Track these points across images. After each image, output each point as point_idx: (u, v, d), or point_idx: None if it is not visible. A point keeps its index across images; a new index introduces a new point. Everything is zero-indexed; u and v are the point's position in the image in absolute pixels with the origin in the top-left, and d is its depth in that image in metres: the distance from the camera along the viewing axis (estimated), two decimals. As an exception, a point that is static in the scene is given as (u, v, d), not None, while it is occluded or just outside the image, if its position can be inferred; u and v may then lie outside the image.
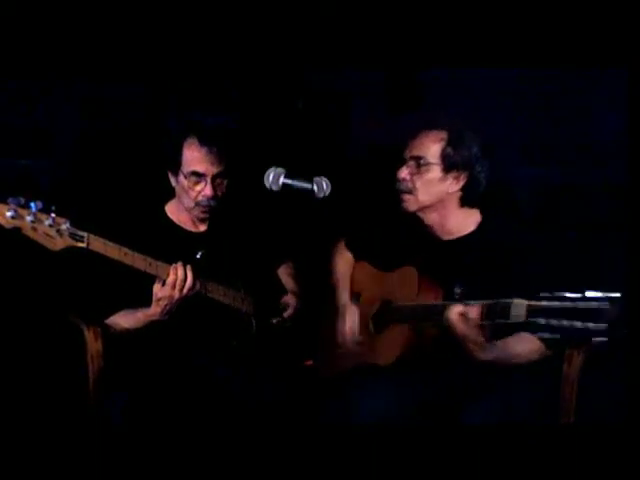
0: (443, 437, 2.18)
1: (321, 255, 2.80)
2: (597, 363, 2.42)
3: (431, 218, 2.42)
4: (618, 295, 1.85)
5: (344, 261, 2.67)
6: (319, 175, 2.29)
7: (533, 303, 1.96)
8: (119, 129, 3.34)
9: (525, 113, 3.38)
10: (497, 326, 2.10)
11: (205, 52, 2.85)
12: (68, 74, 3.00)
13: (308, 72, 3.34)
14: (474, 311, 2.11)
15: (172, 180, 2.51)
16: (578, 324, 1.86)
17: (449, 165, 2.36)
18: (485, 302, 2.10)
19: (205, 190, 2.44)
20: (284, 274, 2.75)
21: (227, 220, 2.58)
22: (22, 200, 2.09)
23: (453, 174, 2.37)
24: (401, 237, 2.51)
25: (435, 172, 2.37)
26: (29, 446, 2.27)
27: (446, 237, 2.43)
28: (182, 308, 2.37)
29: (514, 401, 2.25)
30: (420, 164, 2.37)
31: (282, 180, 2.27)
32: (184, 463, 2.19)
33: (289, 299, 2.64)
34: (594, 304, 1.86)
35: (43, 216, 2.12)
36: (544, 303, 1.93)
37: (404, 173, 2.40)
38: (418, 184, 2.38)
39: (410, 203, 2.40)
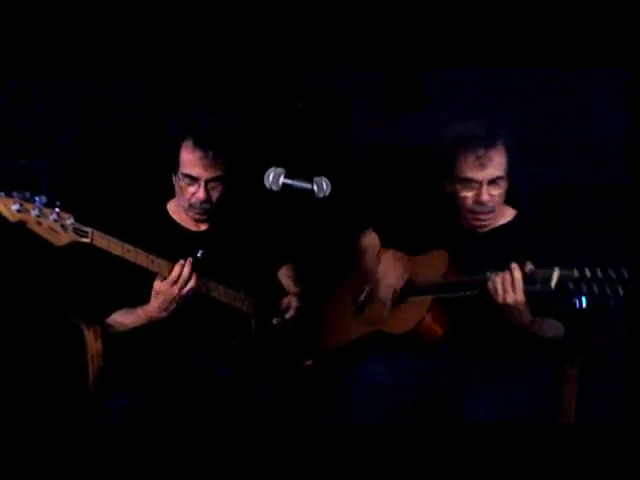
0: (443, 437, 2.18)
1: (321, 255, 2.80)
2: (597, 363, 2.43)
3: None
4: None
5: (371, 245, 2.70)
6: (319, 175, 2.29)
7: (565, 272, 2.10)
8: (121, 128, 3.34)
9: (525, 113, 3.38)
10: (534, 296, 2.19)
11: (205, 52, 2.85)
12: (68, 74, 3.00)
13: (308, 72, 3.34)
14: (518, 276, 2.18)
15: (174, 179, 2.51)
16: (602, 289, 2.05)
17: (510, 174, 2.42)
18: (528, 269, 2.18)
19: (198, 193, 2.43)
20: (284, 275, 2.75)
21: (227, 220, 2.58)
22: (27, 194, 2.10)
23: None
24: (437, 226, 2.55)
25: (504, 185, 2.42)
26: (29, 446, 2.27)
27: (481, 230, 2.48)
28: (182, 307, 2.37)
29: (514, 401, 2.25)
30: (497, 183, 2.40)
31: (282, 180, 2.27)
32: (184, 463, 2.19)
33: (290, 301, 2.64)
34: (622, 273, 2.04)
35: (48, 210, 2.13)
36: (575, 273, 2.09)
37: (486, 196, 2.40)
38: (498, 200, 2.43)
39: (489, 222, 2.46)
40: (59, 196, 2.19)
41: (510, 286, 2.18)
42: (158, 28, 2.77)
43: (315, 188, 2.27)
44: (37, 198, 2.11)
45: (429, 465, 2.12)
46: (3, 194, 2.07)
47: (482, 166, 2.39)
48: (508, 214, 2.50)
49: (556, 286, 2.11)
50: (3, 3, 2.66)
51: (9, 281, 3.01)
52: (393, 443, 2.16)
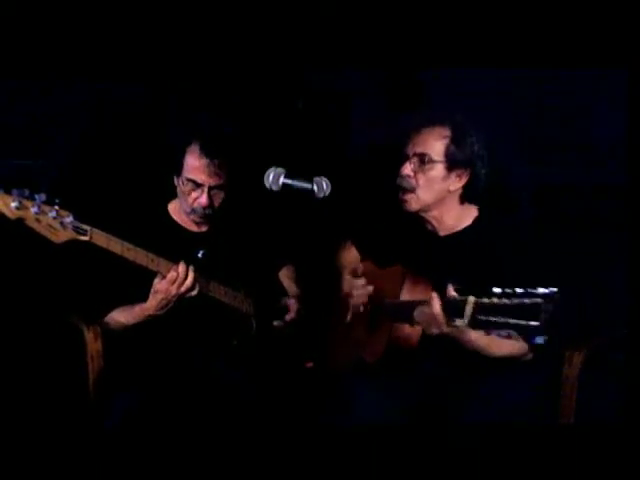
0: (443, 437, 2.18)
1: (321, 256, 2.80)
2: (597, 363, 2.42)
3: (430, 215, 2.40)
4: (555, 290, 1.76)
5: (350, 258, 2.68)
6: (319, 175, 2.28)
7: (477, 300, 1.91)
8: (122, 128, 3.35)
9: (525, 113, 3.38)
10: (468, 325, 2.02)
11: (205, 52, 2.85)
12: (70, 74, 3.00)
13: (308, 72, 3.34)
14: (437, 306, 2.05)
15: (175, 180, 2.51)
16: (513, 321, 1.80)
17: (452, 163, 2.33)
18: (444, 299, 2.05)
19: (201, 199, 2.43)
20: (285, 277, 2.75)
21: (228, 220, 2.58)
22: (26, 192, 2.10)
23: (456, 172, 2.35)
24: (397, 234, 2.50)
25: (439, 170, 2.34)
26: (29, 446, 2.27)
27: (443, 233, 2.42)
28: (183, 307, 2.37)
29: (514, 401, 2.24)
30: (424, 161, 2.34)
31: (282, 180, 2.27)
32: (184, 463, 2.19)
33: (290, 302, 2.64)
34: (536, 300, 1.77)
35: (47, 208, 2.12)
36: (491, 300, 1.87)
37: (407, 169, 2.36)
38: (421, 181, 2.35)
39: (412, 202, 2.37)
40: (60, 195, 2.19)
41: (431, 319, 2.07)
42: (159, 28, 2.77)
43: (315, 188, 2.27)
44: (36, 196, 2.11)
45: (429, 465, 2.12)
46: (2, 191, 2.07)
47: (411, 141, 2.36)
48: (469, 215, 2.41)
49: (470, 320, 1.92)
50: (3, 3, 2.66)
51: (8, 279, 3.01)
52: (393, 443, 2.16)
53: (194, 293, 2.36)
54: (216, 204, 2.46)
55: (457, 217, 2.40)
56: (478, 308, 1.90)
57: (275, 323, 2.60)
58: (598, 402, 2.54)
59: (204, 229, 2.58)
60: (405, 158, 2.38)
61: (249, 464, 2.20)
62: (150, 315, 2.36)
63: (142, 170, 3.11)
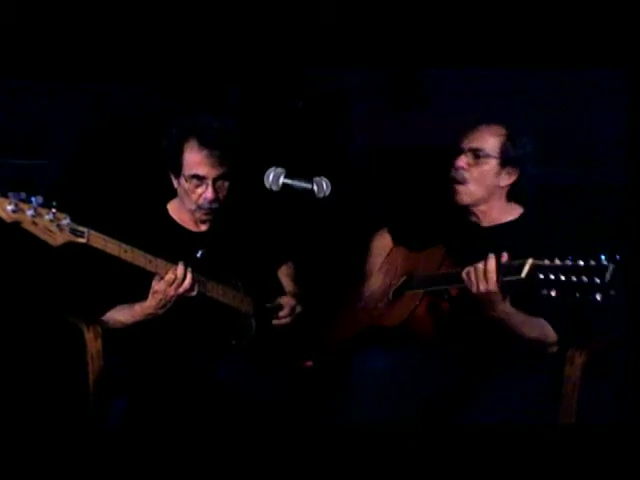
0: (443, 437, 2.18)
1: (321, 256, 2.80)
2: (598, 363, 2.42)
3: (478, 209, 2.48)
4: (618, 257, 1.94)
5: (382, 244, 2.73)
6: (319, 175, 2.29)
7: (541, 261, 2.03)
8: (121, 128, 3.34)
9: (525, 113, 3.38)
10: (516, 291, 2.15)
11: (205, 52, 2.85)
12: (69, 74, 3.00)
13: (308, 72, 3.34)
14: (492, 265, 2.15)
15: (174, 182, 2.50)
16: (574, 279, 1.94)
17: (506, 160, 2.42)
18: (504, 260, 2.15)
19: (206, 193, 2.43)
20: (284, 275, 2.75)
21: (228, 220, 2.57)
22: (23, 195, 2.10)
23: (507, 169, 2.43)
24: (439, 221, 2.57)
25: (492, 165, 2.42)
26: (29, 446, 2.27)
27: (486, 224, 2.49)
28: (182, 308, 2.37)
29: (514, 401, 2.25)
30: (479, 155, 2.42)
31: (282, 180, 2.27)
32: (184, 463, 2.19)
33: (286, 300, 2.64)
34: (599, 261, 1.93)
35: (44, 211, 2.12)
36: (547, 262, 2.01)
37: (462, 162, 2.44)
38: (475, 174, 2.43)
39: (464, 195, 2.45)
40: (59, 196, 2.18)
41: (482, 275, 2.15)
42: (158, 28, 2.76)
43: (315, 188, 2.27)
44: (33, 198, 2.11)
45: (429, 465, 2.12)
46: None
47: (466, 137, 2.46)
48: (514, 212, 2.50)
49: (527, 275, 2.05)
50: (3, 3, 2.66)
51: (7, 281, 3.01)
52: (393, 443, 2.16)
53: (193, 294, 2.35)
54: (221, 197, 2.46)
55: (502, 211, 2.48)
56: (537, 267, 2.02)
57: (274, 321, 2.60)
58: (599, 402, 2.54)
59: (203, 229, 2.58)
60: (460, 152, 2.45)
61: (249, 464, 2.20)
62: (149, 314, 2.36)
63: (141, 170, 3.11)
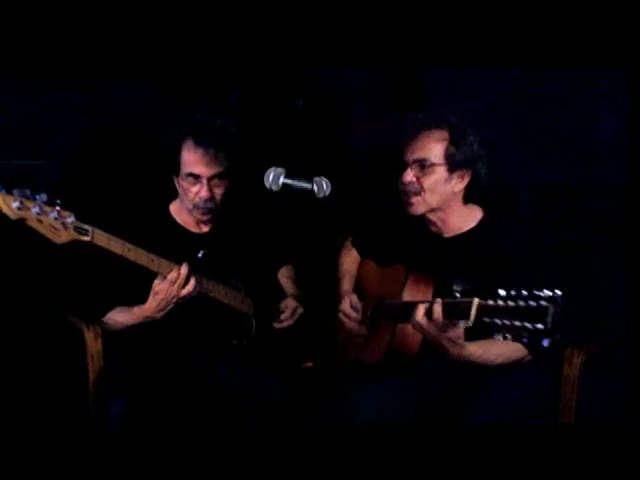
0: (443, 437, 2.18)
1: (321, 255, 2.80)
2: (597, 363, 2.42)
3: (436, 217, 2.40)
4: (559, 294, 1.75)
5: (351, 258, 2.69)
6: (319, 175, 2.29)
7: (482, 302, 1.90)
8: (124, 129, 3.34)
9: (525, 113, 3.38)
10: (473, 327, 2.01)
11: (205, 51, 2.85)
12: (69, 74, 3.00)
13: (308, 72, 3.34)
14: (438, 309, 2.05)
15: (175, 181, 2.51)
16: (522, 323, 1.79)
17: (453, 164, 2.33)
18: (447, 300, 2.05)
19: (201, 192, 2.43)
20: (284, 276, 2.75)
21: (228, 221, 2.58)
22: (28, 192, 2.10)
23: (457, 173, 2.34)
24: (400, 234, 2.50)
25: (440, 173, 2.33)
26: (29, 446, 2.27)
27: (448, 234, 2.42)
28: (182, 308, 2.37)
29: (514, 401, 2.24)
30: (425, 166, 2.33)
31: (282, 180, 2.27)
32: (184, 464, 2.19)
33: (288, 302, 2.63)
34: (542, 303, 1.76)
35: (49, 208, 2.12)
36: (495, 302, 1.87)
37: (409, 176, 2.35)
38: (425, 185, 2.34)
39: (418, 205, 2.37)
40: (61, 196, 2.19)
41: (428, 321, 2.06)
42: (157, 28, 2.77)
43: (315, 188, 2.27)
44: (38, 196, 2.11)
45: (429, 465, 2.12)
46: (4, 191, 2.06)
47: (409, 147, 2.36)
48: (474, 216, 2.41)
49: (475, 320, 1.91)
50: (3, 3, 2.66)
51: (9, 278, 3.00)
52: (393, 443, 2.16)
53: (193, 294, 2.35)
54: (217, 196, 2.45)
55: (462, 218, 2.40)
56: (483, 310, 1.90)
57: (274, 322, 2.60)
58: (598, 402, 2.54)
59: (205, 230, 2.58)
60: (405, 165, 2.37)
61: (249, 465, 2.20)
62: (148, 317, 2.36)
63: (143, 171, 3.11)
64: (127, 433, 2.30)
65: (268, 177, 2.27)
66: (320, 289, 2.71)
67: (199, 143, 2.40)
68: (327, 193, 2.27)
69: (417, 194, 2.35)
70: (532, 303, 1.78)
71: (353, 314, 2.51)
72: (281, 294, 2.69)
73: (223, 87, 3.39)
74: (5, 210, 2.06)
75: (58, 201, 2.14)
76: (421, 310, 2.08)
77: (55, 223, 2.13)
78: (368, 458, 2.15)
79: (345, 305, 2.53)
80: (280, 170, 2.28)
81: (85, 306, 2.47)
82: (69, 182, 3.22)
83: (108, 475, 2.17)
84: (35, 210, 2.09)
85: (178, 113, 3.18)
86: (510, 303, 1.83)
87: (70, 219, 2.15)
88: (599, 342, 2.45)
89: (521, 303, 1.80)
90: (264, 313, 2.59)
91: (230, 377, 2.43)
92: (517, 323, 1.79)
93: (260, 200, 2.48)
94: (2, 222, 2.09)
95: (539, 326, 1.75)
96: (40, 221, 2.11)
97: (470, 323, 1.92)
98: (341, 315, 2.53)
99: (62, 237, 2.15)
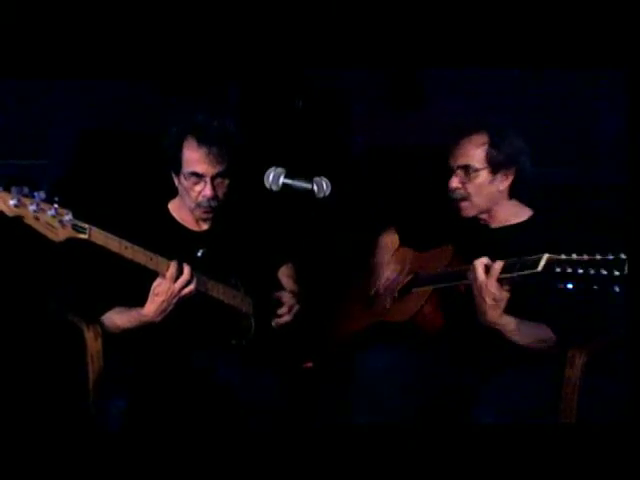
0: (443, 437, 2.18)
1: (321, 255, 2.80)
2: (598, 363, 2.42)
3: (485, 215, 2.48)
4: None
5: (389, 242, 2.74)
6: (319, 175, 2.29)
7: (554, 256, 2.02)
8: (122, 127, 3.35)
9: (525, 113, 3.38)
10: (520, 292, 2.14)
11: (205, 51, 2.85)
12: (68, 73, 3.00)
13: (308, 71, 3.34)
14: (498, 264, 2.15)
15: (175, 180, 2.51)
16: (592, 271, 1.93)
17: (496, 166, 2.40)
18: (512, 260, 2.14)
19: (205, 191, 2.43)
20: (284, 275, 2.75)
21: (228, 219, 2.58)
22: (25, 189, 2.10)
23: (501, 172, 2.42)
24: (449, 223, 2.55)
25: (484, 176, 2.41)
26: (29, 446, 2.27)
27: (495, 225, 2.49)
28: (181, 307, 2.37)
29: (515, 401, 2.24)
30: (468, 172, 2.41)
31: (282, 180, 2.27)
32: (184, 464, 2.19)
33: (285, 297, 2.63)
34: (612, 257, 1.94)
35: (46, 206, 2.12)
36: (563, 256, 2.00)
37: (455, 183, 2.44)
38: (471, 190, 2.42)
39: (468, 209, 2.46)
40: (60, 194, 2.18)
41: (485, 271, 2.16)
42: (158, 27, 2.76)
43: (315, 188, 2.27)
44: (35, 194, 2.11)
45: (429, 465, 2.12)
46: (1, 189, 2.06)
47: (452, 154, 2.45)
48: (523, 214, 2.48)
49: (544, 268, 2.03)
50: (3, 3, 2.66)
51: (7, 277, 3.01)
52: (393, 443, 2.16)
53: (192, 287, 2.34)
54: (220, 195, 2.46)
55: (511, 212, 2.47)
56: (554, 261, 2.01)
57: (274, 322, 2.60)
58: (599, 402, 2.54)
59: (204, 228, 2.58)
60: (451, 172, 2.45)
61: (248, 465, 2.20)
62: (147, 320, 2.34)
63: (142, 169, 3.11)
64: (127, 433, 2.30)
65: (268, 177, 2.27)
66: (320, 289, 2.72)
67: (201, 142, 2.40)
68: (327, 193, 2.28)
69: (465, 199, 2.44)
70: (610, 256, 1.95)
71: (383, 284, 2.60)
72: (281, 293, 2.68)
73: (223, 87, 3.39)
74: (2, 207, 2.06)
75: (56, 199, 2.14)
76: (481, 260, 2.17)
77: (52, 221, 2.13)
78: (368, 458, 2.15)
79: (380, 276, 2.64)
80: (280, 170, 2.28)
81: (83, 304, 2.47)
82: (69, 181, 3.22)
83: (108, 475, 2.17)
84: (32, 208, 2.09)
85: (178, 112, 3.19)
86: (584, 257, 1.97)
87: (67, 217, 2.15)
88: (600, 342, 2.45)
89: (597, 256, 1.95)
90: (264, 312, 2.59)
91: (230, 377, 2.43)
92: (591, 271, 1.94)
93: (260, 199, 2.48)
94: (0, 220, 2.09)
95: (616, 272, 1.92)
96: (37, 219, 2.11)
97: (539, 269, 2.02)
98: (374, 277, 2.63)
99: (59, 235, 2.15)
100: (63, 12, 2.72)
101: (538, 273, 2.04)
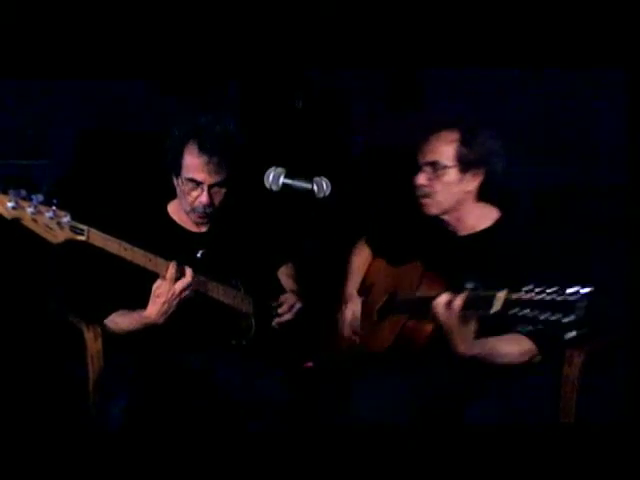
0: (443, 437, 2.18)
1: (321, 255, 2.80)
2: (597, 363, 2.42)
3: (451, 217, 2.39)
4: (590, 290, 1.79)
5: (362, 256, 2.69)
6: (319, 175, 2.29)
7: (511, 295, 1.91)
8: (122, 128, 3.35)
9: (525, 113, 3.38)
10: (486, 321, 2.05)
11: (205, 52, 2.85)
12: (68, 74, 3.00)
13: (308, 71, 3.34)
14: (459, 300, 2.06)
15: (174, 181, 2.50)
16: (548, 316, 1.81)
17: (465, 165, 2.31)
18: (471, 292, 2.05)
19: (201, 197, 2.42)
20: (284, 275, 2.75)
21: (228, 220, 2.57)
22: (24, 192, 2.10)
23: (470, 173, 2.32)
24: (417, 233, 2.49)
25: (452, 175, 2.32)
26: (29, 446, 2.27)
27: (462, 233, 2.40)
28: (181, 308, 2.36)
29: (514, 401, 2.24)
30: (436, 168, 2.32)
31: (282, 180, 2.27)
32: (184, 464, 2.19)
33: (286, 296, 2.63)
34: (570, 298, 1.79)
35: (44, 208, 2.12)
36: (522, 295, 1.88)
37: (421, 179, 2.35)
38: (438, 187, 2.33)
39: (432, 207, 2.36)
40: (60, 195, 2.18)
41: (446, 309, 2.07)
42: (158, 27, 2.77)
43: (315, 188, 2.27)
44: (33, 196, 2.10)
45: (429, 465, 2.12)
46: None
47: (421, 150, 2.36)
48: (490, 216, 2.39)
49: (498, 311, 1.92)
50: (3, 3, 2.66)
51: (6, 279, 3.01)
52: (393, 443, 2.16)
53: (192, 288, 2.34)
54: (216, 202, 2.45)
55: (477, 217, 2.38)
56: (509, 302, 1.91)
57: (274, 322, 2.60)
58: (598, 402, 2.55)
59: (204, 229, 2.58)
60: (418, 168, 2.37)
61: (249, 465, 2.20)
62: (149, 322, 2.34)
63: (141, 170, 3.11)
64: (127, 433, 2.30)
65: (268, 177, 2.27)
66: (320, 289, 2.71)
67: (203, 149, 2.38)
68: (327, 193, 2.27)
69: (430, 196, 2.35)
70: (561, 297, 1.80)
71: (353, 324, 2.54)
72: (282, 293, 2.68)
73: (223, 87, 3.39)
74: (0, 210, 2.06)
75: (54, 201, 2.14)
76: (442, 299, 2.10)
77: (50, 223, 2.13)
78: (368, 458, 2.15)
79: (348, 314, 2.57)
80: (280, 170, 2.28)
81: (86, 307, 2.47)
82: (69, 181, 3.22)
83: (108, 475, 2.17)
84: (30, 210, 2.09)
85: (179, 113, 3.18)
86: (538, 296, 1.84)
87: (66, 219, 2.15)
88: (599, 342, 2.44)
89: (548, 297, 1.82)
90: (264, 312, 2.59)
91: (230, 377, 2.43)
92: (543, 315, 1.81)
93: (259, 199, 2.48)
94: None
95: (566, 319, 1.77)
96: (35, 221, 2.10)
97: (493, 311, 1.93)
98: (341, 321, 2.56)
99: (58, 237, 2.15)
100: (63, 12, 2.72)
101: (490, 315, 1.95)
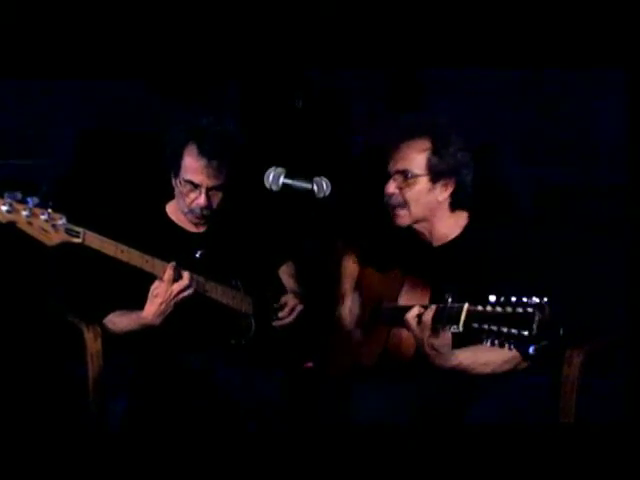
0: (443, 437, 2.18)
1: (321, 255, 2.80)
2: (597, 363, 2.43)
3: (423, 226, 2.37)
4: (545, 301, 1.75)
5: (351, 264, 2.67)
6: (319, 175, 2.28)
7: (473, 309, 1.88)
8: (120, 128, 3.34)
9: (525, 113, 3.38)
10: (459, 333, 1.98)
11: (205, 52, 2.85)
12: (68, 74, 3.00)
13: (308, 71, 3.34)
14: (428, 314, 2.04)
15: (173, 181, 2.50)
16: (505, 330, 1.78)
17: (436, 174, 2.28)
18: (439, 306, 2.02)
19: (199, 199, 2.42)
20: (285, 274, 2.75)
21: (227, 220, 2.57)
22: (19, 195, 2.09)
23: (441, 182, 2.30)
24: (396, 241, 2.47)
25: (423, 184, 2.29)
26: (29, 446, 2.27)
27: (436, 243, 2.38)
28: (181, 308, 2.37)
29: (514, 401, 2.24)
30: (407, 177, 2.29)
31: (282, 180, 2.27)
32: (184, 464, 2.19)
33: (287, 298, 2.63)
34: (525, 309, 1.76)
35: (39, 211, 2.11)
36: (484, 308, 1.85)
37: (391, 188, 2.32)
38: (408, 196, 2.30)
39: (403, 217, 2.34)
40: (59, 195, 2.19)
41: (417, 323, 2.05)
42: (158, 27, 2.77)
43: (315, 188, 2.27)
44: (29, 199, 2.10)
45: (429, 465, 2.12)
46: None
47: (392, 158, 2.33)
48: (460, 222, 2.36)
49: (464, 325, 1.89)
50: (3, 3, 2.66)
51: (8, 280, 3.01)
52: (393, 443, 2.16)
53: (190, 289, 2.34)
54: (214, 205, 2.45)
55: (448, 227, 2.35)
56: (472, 315, 1.88)
57: (274, 322, 2.60)
58: (598, 402, 2.55)
59: (202, 229, 2.57)
60: (388, 176, 2.34)
61: (249, 465, 2.20)
62: (147, 323, 2.34)
63: (141, 170, 3.11)
64: (127, 433, 2.30)
65: (268, 177, 2.27)
66: (320, 288, 2.71)
67: (202, 152, 2.38)
68: (327, 193, 2.27)
69: (401, 206, 2.32)
70: (519, 310, 1.77)
71: (349, 318, 2.52)
72: (282, 292, 2.68)
73: (223, 87, 3.39)
74: None
75: (50, 204, 2.14)
76: (412, 313, 2.08)
77: (46, 225, 2.12)
78: (368, 458, 2.15)
79: (344, 308, 2.54)
80: (280, 170, 2.28)
81: (85, 308, 2.47)
82: (68, 181, 3.22)
83: (108, 475, 2.17)
84: (25, 213, 2.08)
85: (179, 113, 3.18)
86: (497, 309, 1.82)
87: (61, 221, 2.15)
88: (599, 342, 2.44)
89: (508, 309, 1.79)
90: (264, 312, 2.59)
91: (229, 377, 2.43)
92: (504, 329, 1.78)
93: (259, 199, 2.48)
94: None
95: (524, 333, 1.74)
96: (30, 224, 2.10)
97: (460, 328, 1.91)
98: (338, 318, 2.54)
99: (53, 239, 2.15)
100: (63, 12, 2.72)
101: (461, 332, 1.92)
